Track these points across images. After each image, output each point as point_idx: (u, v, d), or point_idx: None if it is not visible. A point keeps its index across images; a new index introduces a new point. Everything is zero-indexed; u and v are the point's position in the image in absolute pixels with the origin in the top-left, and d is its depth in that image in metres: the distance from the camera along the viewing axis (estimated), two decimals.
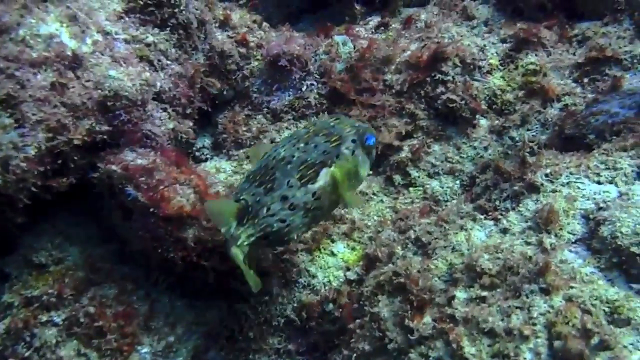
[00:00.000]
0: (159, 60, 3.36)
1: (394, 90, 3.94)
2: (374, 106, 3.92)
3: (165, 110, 3.41)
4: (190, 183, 3.04)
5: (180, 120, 3.56)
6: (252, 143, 3.95)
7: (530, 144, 2.90)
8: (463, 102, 3.72)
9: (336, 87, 4.00)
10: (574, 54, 3.86)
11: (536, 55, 3.87)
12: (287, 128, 4.02)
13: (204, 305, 3.26)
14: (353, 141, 2.79)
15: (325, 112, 4.01)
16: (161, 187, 2.96)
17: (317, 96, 4.04)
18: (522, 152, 2.83)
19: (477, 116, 3.79)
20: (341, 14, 4.98)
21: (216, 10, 3.97)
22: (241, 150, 3.95)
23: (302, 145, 2.75)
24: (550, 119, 3.59)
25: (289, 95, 4.05)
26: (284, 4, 5.45)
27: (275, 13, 5.41)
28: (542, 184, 2.72)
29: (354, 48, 4.28)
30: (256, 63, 4.12)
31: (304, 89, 4.05)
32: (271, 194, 2.66)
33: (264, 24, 4.26)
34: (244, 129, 4.01)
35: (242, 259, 2.63)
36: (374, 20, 4.87)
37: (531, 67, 3.81)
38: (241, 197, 2.72)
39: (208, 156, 4.11)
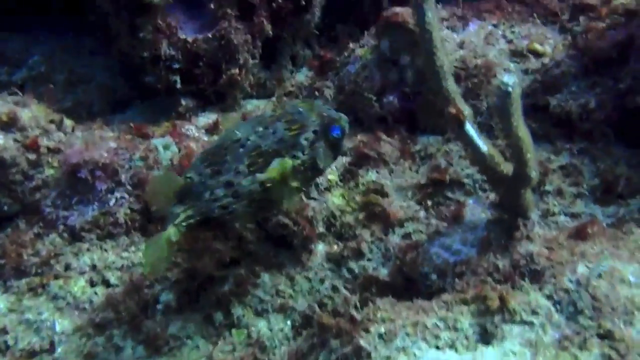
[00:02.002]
0: None
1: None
2: None
3: None
4: None
5: None
6: (39, 271, 3.14)
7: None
8: (297, 226, 3.23)
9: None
10: (417, 172, 3.57)
11: (377, 172, 3.53)
12: (88, 250, 3.27)
13: None
14: (314, 132, 2.66)
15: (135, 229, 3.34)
16: None
17: (128, 211, 3.36)
18: (351, 307, 2.37)
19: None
20: (172, 103, 4.40)
21: None
22: (23, 281, 3.11)
23: (261, 129, 2.62)
24: (391, 249, 3.20)
25: (93, 210, 3.33)
26: (109, 90, 4.78)
27: (98, 100, 4.72)
28: (375, 348, 2.24)
29: (179, 152, 3.70)
30: (51, 171, 3.36)
31: (111, 202, 3.35)
32: (217, 177, 2.57)
33: (66, 122, 3.53)
34: (30, 251, 3.19)
35: (173, 239, 2.52)
36: (207, 117, 4.35)
37: (372, 186, 3.45)
38: (188, 175, 2.61)
39: None
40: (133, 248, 3.31)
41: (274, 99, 4.84)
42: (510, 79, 2.26)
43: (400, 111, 3.75)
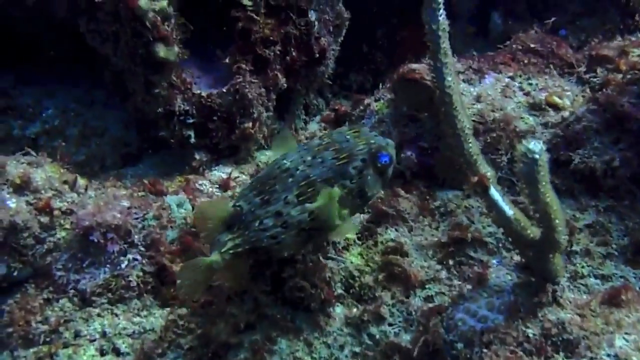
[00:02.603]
0: None
1: None
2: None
3: None
4: None
5: None
6: (48, 339, 3.04)
7: None
8: (314, 288, 3.12)
9: (165, 264, 3.27)
10: (437, 229, 3.46)
11: (397, 230, 3.42)
12: (98, 315, 3.17)
13: None
14: (363, 160, 2.66)
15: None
16: None
17: (140, 274, 3.28)
18: None
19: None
20: (185, 156, 4.36)
21: (10, 170, 3.14)
22: (31, 350, 3.00)
23: (309, 158, 2.62)
24: (414, 313, 3.07)
25: (104, 273, 3.24)
26: (122, 142, 4.76)
27: (111, 153, 4.70)
28: None
29: (193, 210, 3.63)
30: (63, 233, 3.28)
31: (123, 265, 3.26)
32: (266, 207, 2.58)
33: (80, 182, 3.47)
34: (39, 318, 3.09)
35: (215, 266, 2.55)
36: (221, 170, 4.29)
37: (391, 244, 3.34)
38: (237, 203, 2.63)
39: None
40: (145, 312, 3.21)
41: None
42: (537, 146, 2.18)
43: (418, 166, 3.67)
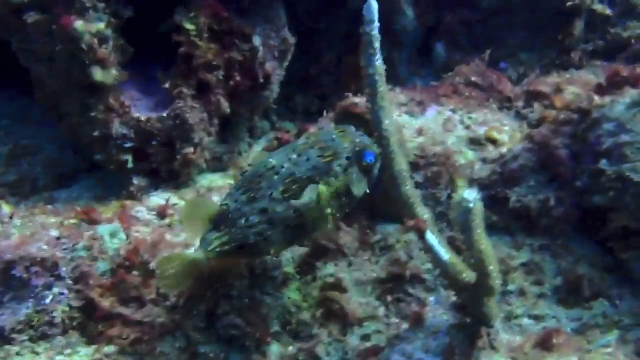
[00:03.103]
0: None
1: (168, 303, 3.16)
2: (141, 323, 3.10)
3: None
4: None
5: None
6: None
7: None
8: (249, 326, 3.04)
9: (93, 298, 3.12)
10: (376, 263, 3.45)
11: (336, 265, 3.39)
12: (17, 354, 2.99)
13: None
14: (347, 158, 2.69)
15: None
16: None
17: (66, 309, 3.12)
18: None
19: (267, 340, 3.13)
20: (122, 179, 4.20)
21: None
22: None
23: (294, 156, 2.65)
24: (350, 352, 3.03)
25: (27, 308, 3.06)
26: (56, 163, 4.55)
27: (43, 174, 4.48)
28: None
29: (127, 240, 3.49)
30: None
31: (48, 299, 3.10)
32: (252, 204, 2.61)
33: (5, 209, 3.30)
34: None
35: (199, 263, 2.57)
36: (160, 196, 4.16)
37: (330, 279, 3.30)
38: (224, 202, 2.67)
39: None
40: (69, 350, 3.04)
41: (230, 172, 4.73)
42: (472, 194, 2.20)
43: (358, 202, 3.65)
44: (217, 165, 4.76)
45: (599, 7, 4.86)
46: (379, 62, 2.41)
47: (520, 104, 4.39)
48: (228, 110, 4.34)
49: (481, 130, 4.00)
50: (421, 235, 2.45)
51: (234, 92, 4.38)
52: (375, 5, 2.35)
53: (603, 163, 3.06)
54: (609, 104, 3.28)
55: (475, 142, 3.89)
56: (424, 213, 2.64)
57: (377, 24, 2.39)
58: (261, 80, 4.47)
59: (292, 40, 4.69)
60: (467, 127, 4.05)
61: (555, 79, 4.66)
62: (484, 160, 3.74)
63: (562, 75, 4.71)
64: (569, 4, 4.77)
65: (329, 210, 2.68)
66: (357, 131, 2.88)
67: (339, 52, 5.52)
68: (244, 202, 2.63)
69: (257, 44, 4.38)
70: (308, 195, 2.62)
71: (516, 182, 3.42)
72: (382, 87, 2.46)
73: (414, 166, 3.65)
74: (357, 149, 2.73)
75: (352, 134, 2.80)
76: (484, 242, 2.31)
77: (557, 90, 4.33)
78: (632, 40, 4.88)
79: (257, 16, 4.45)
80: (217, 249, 2.62)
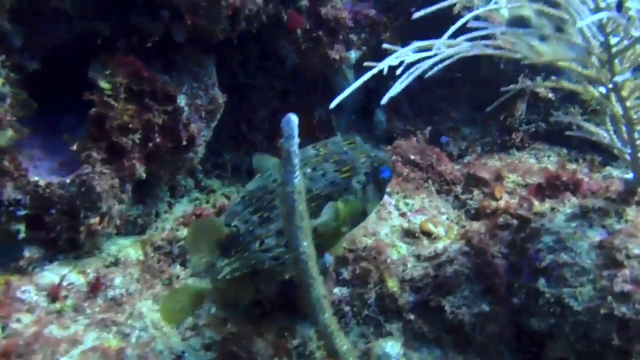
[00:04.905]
0: None
1: None
2: None
3: None
4: None
5: None
6: None
7: None
8: None
9: None
10: None
11: None
12: None
13: None
14: (366, 174, 2.57)
15: None
16: None
17: None
18: None
19: None
20: (11, 251, 3.67)
21: None
22: None
23: (308, 170, 2.46)
24: None
25: None
26: None
27: None
28: None
29: (2, 332, 2.99)
30: None
31: None
32: (267, 225, 2.42)
33: None
34: None
35: (206, 295, 2.41)
36: (55, 271, 3.65)
37: None
38: (233, 223, 2.44)
39: None
40: None
41: (145, 236, 4.28)
42: (394, 349, 1.90)
43: (279, 296, 3.30)
44: (131, 228, 4.31)
45: (541, 90, 4.76)
46: (297, 179, 2.09)
47: (459, 189, 4.19)
48: (144, 175, 3.92)
49: (417, 220, 3.75)
50: None
51: (154, 154, 3.97)
52: (295, 120, 2.04)
53: (542, 283, 2.83)
54: (549, 214, 3.09)
55: (410, 235, 3.64)
56: (343, 344, 2.32)
57: (297, 139, 2.08)
58: (184, 142, 4.08)
59: (222, 99, 4.33)
60: (403, 215, 3.81)
61: (496, 163, 4.53)
62: (418, 257, 3.48)
63: (503, 159, 4.57)
64: (511, 86, 4.64)
65: (345, 229, 2.57)
66: (366, 142, 2.76)
67: (274, 109, 5.20)
68: (257, 224, 2.42)
69: (182, 104, 4.00)
70: (327, 214, 2.47)
71: (450, 289, 3.16)
72: (301, 206, 2.13)
73: (342, 261, 3.35)
74: (375, 164, 2.62)
75: (362, 145, 2.68)
76: None
77: (497, 178, 4.16)
78: (574, 126, 4.80)
79: (184, 74, 4.07)
80: (227, 277, 2.43)
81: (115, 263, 3.83)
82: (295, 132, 2.13)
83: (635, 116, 2.63)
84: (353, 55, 5.00)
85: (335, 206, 2.48)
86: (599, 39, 2.51)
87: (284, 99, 5.21)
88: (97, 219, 3.71)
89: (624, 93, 2.55)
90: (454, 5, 3.04)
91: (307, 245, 2.20)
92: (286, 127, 2.11)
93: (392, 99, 4.94)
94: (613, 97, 2.65)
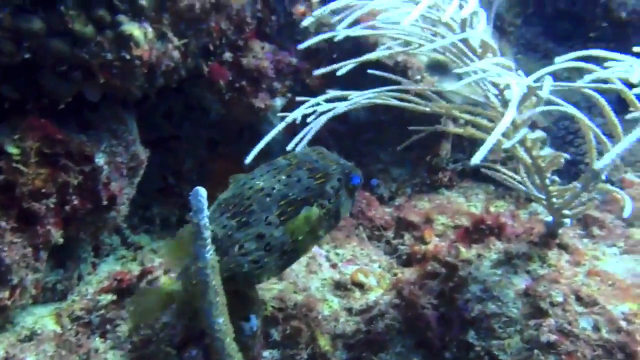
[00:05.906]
0: None
1: None
2: None
3: None
4: None
5: None
6: None
7: None
8: None
9: None
10: None
11: None
12: None
13: None
14: (339, 180, 2.67)
15: None
16: None
17: None
18: None
19: None
20: None
21: None
22: None
23: (283, 177, 2.58)
24: None
25: None
26: None
27: None
28: None
29: None
30: None
31: None
32: (245, 229, 2.47)
33: None
34: None
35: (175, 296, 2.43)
36: None
37: None
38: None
39: None
40: None
41: (68, 301, 4.03)
42: None
43: None
44: (50, 295, 4.05)
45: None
46: (209, 254, 2.00)
47: (390, 234, 4.18)
48: (61, 240, 3.70)
49: (348, 271, 3.70)
50: None
51: (72, 217, 3.76)
52: (204, 193, 1.96)
53: (472, 336, 2.81)
54: (475, 261, 3.09)
55: (341, 287, 3.58)
56: None
57: (206, 213, 1.99)
58: (105, 202, 3.90)
59: (144, 155, 4.19)
60: (334, 266, 3.74)
61: (426, 204, 4.55)
62: (349, 311, 3.41)
63: (433, 200, 4.60)
64: (435, 126, 4.71)
65: (320, 233, 2.64)
66: (333, 154, 2.88)
67: (201, 159, 5.08)
68: (235, 228, 2.46)
69: (101, 163, 3.83)
70: (302, 219, 2.55)
71: (382, 346, 3.09)
72: (215, 281, 2.04)
73: (272, 321, 3.24)
74: (345, 170, 2.73)
75: (330, 155, 2.81)
76: None
77: (427, 221, 4.18)
78: (498, 164, 4.90)
79: (102, 132, 3.92)
80: None
81: (30, 337, 3.58)
82: (205, 206, 2.05)
83: (543, 164, 2.68)
84: (279, 102, 4.97)
85: (309, 209, 2.57)
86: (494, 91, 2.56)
87: (212, 148, 5.11)
88: (6, 293, 3.46)
89: (528, 144, 2.60)
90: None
91: (222, 322, 2.10)
92: (194, 200, 2.02)
93: (320, 142, 4.95)
94: (519, 147, 2.70)
